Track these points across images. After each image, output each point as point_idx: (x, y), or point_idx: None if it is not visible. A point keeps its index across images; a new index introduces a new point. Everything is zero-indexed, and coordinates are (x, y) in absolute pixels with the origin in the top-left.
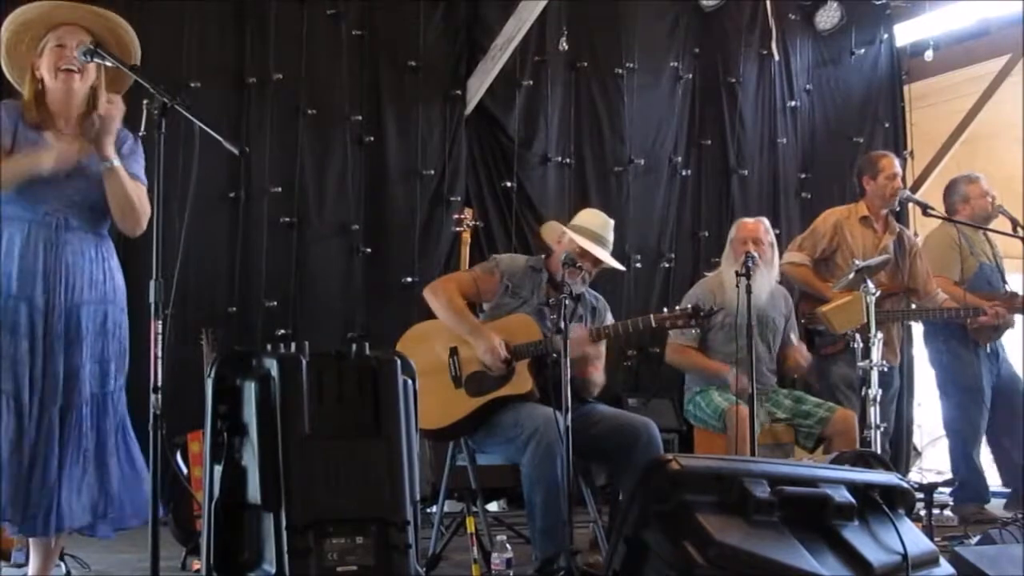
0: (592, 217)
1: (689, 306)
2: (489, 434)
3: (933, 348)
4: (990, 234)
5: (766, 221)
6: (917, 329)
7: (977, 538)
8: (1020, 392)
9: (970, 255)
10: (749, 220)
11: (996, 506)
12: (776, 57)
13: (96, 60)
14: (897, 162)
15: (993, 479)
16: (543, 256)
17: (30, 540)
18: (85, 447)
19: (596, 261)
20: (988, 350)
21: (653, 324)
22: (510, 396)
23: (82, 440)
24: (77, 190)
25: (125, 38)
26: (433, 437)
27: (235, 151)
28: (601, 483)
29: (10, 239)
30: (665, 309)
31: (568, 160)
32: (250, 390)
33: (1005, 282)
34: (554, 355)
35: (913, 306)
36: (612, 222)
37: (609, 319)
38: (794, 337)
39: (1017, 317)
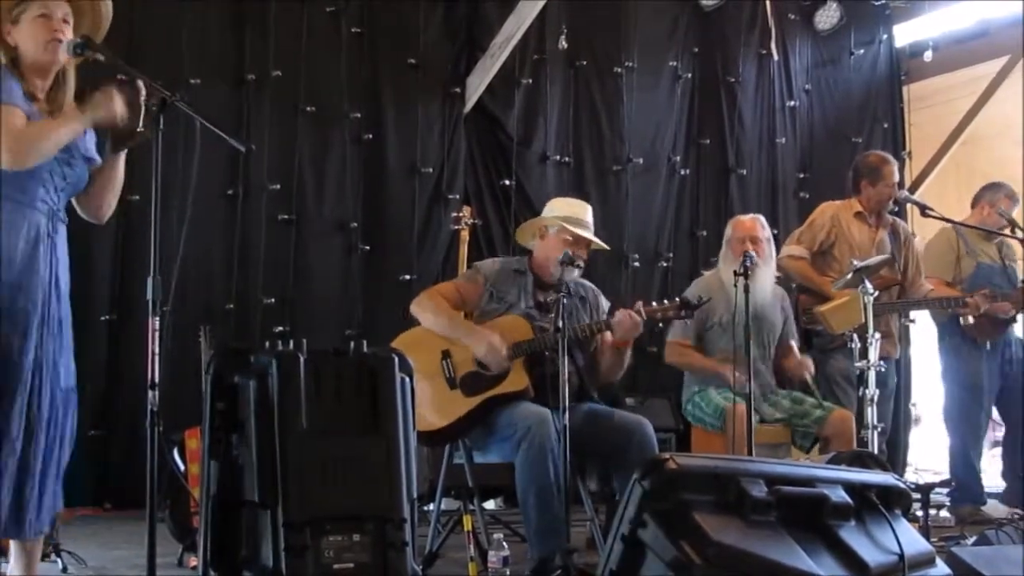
0: (570, 203)
1: (677, 298)
2: (486, 433)
3: (941, 345)
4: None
5: (762, 218)
6: (915, 328)
7: (973, 539)
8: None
9: (966, 255)
10: (745, 218)
11: (993, 507)
12: (775, 57)
13: (88, 55)
14: (896, 168)
15: (993, 479)
16: (526, 257)
17: (12, 540)
18: (53, 442)
19: (588, 245)
20: (989, 347)
21: (643, 316)
22: (507, 394)
23: (54, 434)
24: (72, 174)
25: (102, 11)
26: (432, 441)
27: (241, 148)
28: (593, 488)
29: (11, 224)
30: (654, 303)
31: (567, 159)
32: (248, 387)
33: (1013, 284)
34: (547, 352)
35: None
36: (589, 206)
37: (604, 304)
38: (794, 344)
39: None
